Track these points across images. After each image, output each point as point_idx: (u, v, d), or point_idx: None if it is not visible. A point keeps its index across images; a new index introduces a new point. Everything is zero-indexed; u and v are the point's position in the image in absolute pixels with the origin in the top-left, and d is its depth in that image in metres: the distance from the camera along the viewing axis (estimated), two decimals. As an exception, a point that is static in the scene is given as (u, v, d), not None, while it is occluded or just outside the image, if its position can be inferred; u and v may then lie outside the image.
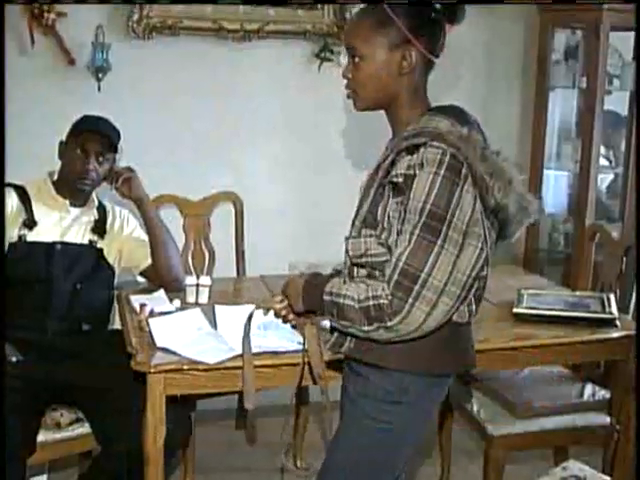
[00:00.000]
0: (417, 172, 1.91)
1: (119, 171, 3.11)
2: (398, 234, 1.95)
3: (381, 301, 1.90)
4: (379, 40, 2.03)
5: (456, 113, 2.04)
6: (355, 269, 2.08)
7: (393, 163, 1.98)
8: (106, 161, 3.04)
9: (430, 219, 1.89)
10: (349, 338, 2.08)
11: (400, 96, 2.07)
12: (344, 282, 2.03)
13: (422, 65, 2.07)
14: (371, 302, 1.92)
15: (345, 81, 2.11)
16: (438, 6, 2.06)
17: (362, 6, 2.11)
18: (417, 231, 1.89)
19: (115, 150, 3.06)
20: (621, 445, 2.66)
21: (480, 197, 1.93)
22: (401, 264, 1.90)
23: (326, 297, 2.02)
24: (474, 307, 2.06)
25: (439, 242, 1.89)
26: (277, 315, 2.25)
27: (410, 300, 1.88)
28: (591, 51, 4.15)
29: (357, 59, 2.06)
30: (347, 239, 2.08)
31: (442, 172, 1.89)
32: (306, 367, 2.33)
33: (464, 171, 1.90)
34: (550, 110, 4.41)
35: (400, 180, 1.94)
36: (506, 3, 4.18)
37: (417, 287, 1.88)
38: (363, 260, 2.03)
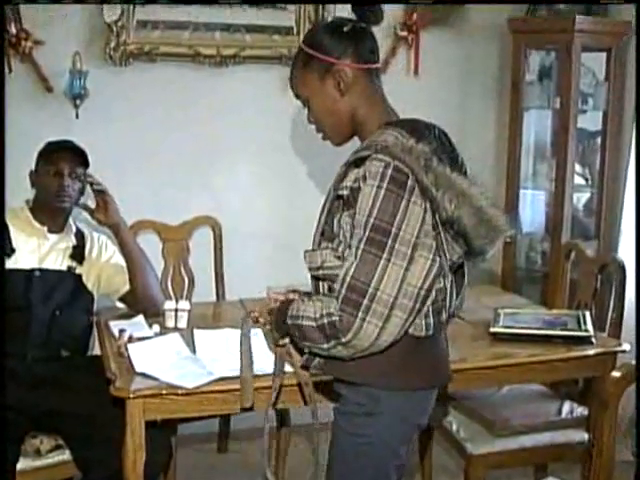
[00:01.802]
0: (361, 185, 1.94)
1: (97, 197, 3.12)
2: (348, 248, 1.97)
3: (333, 318, 1.92)
4: (310, 77, 2.11)
5: (411, 125, 2.05)
6: (320, 284, 2.10)
7: (343, 177, 2.01)
8: (79, 177, 3.06)
9: (374, 233, 1.90)
10: (317, 357, 2.10)
11: (357, 114, 2.11)
12: (303, 302, 2.05)
13: (362, 76, 2.10)
14: (325, 320, 1.94)
15: (314, 127, 2.18)
16: (349, 18, 2.11)
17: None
18: (362, 245, 1.91)
19: (86, 165, 3.08)
20: (597, 461, 2.68)
21: (431, 209, 1.93)
22: (348, 279, 1.91)
23: (288, 321, 2.05)
24: (432, 320, 2.04)
25: (385, 255, 1.90)
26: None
27: (360, 315, 1.89)
28: (564, 72, 4.20)
29: (306, 103, 2.15)
30: (306, 252, 2.10)
31: (385, 185, 1.90)
32: (297, 388, 2.34)
33: (410, 183, 1.91)
34: (525, 130, 4.45)
35: (347, 193, 1.97)
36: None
37: (366, 301, 1.89)
38: (320, 273, 2.05)
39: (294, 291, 2.27)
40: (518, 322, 3.06)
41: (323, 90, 2.10)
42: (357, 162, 1.98)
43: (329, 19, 3.88)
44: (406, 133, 1.99)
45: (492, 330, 3.00)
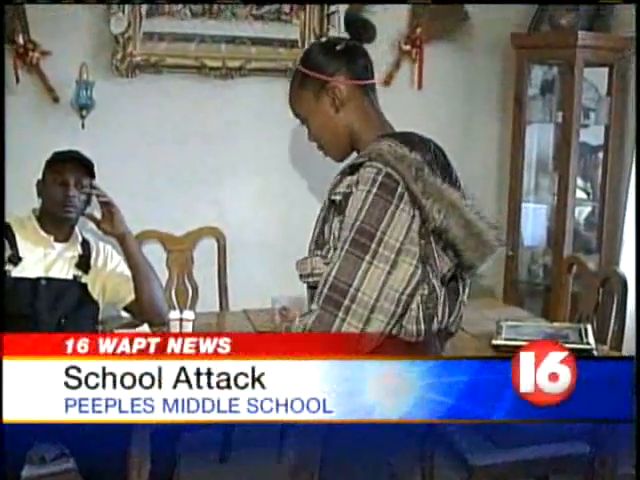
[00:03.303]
0: (354, 190, 1.97)
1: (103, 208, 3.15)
2: (334, 250, 2.00)
3: (313, 317, 1.94)
4: (306, 96, 2.14)
5: (406, 137, 2.07)
6: (315, 293, 2.09)
7: (337, 184, 2.05)
8: (85, 187, 3.08)
9: (359, 235, 1.93)
10: None
11: (353, 129, 2.14)
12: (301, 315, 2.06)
13: (357, 92, 2.14)
14: (310, 321, 1.95)
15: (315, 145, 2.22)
16: (341, 36, 2.16)
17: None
18: (347, 246, 1.94)
19: (92, 175, 3.10)
20: (599, 473, 2.69)
21: (420, 217, 1.95)
22: (331, 278, 1.94)
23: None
24: (423, 327, 2.03)
25: (367, 258, 1.92)
26: None
27: (341, 315, 1.91)
28: (566, 87, 4.23)
29: (305, 122, 2.19)
30: (297, 262, 2.12)
31: (374, 190, 1.93)
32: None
33: (400, 190, 1.94)
34: (527, 144, 4.47)
35: (339, 198, 2.01)
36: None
37: (346, 301, 1.91)
38: (311, 280, 2.06)
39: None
40: (520, 335, 3.07)
41: (319, 108, 2.14)
42: (351, 169, 2.02)
43: (329, 34, 3.96)
44: (400, 143, 2.02)
45: (494, 342, 3.01)
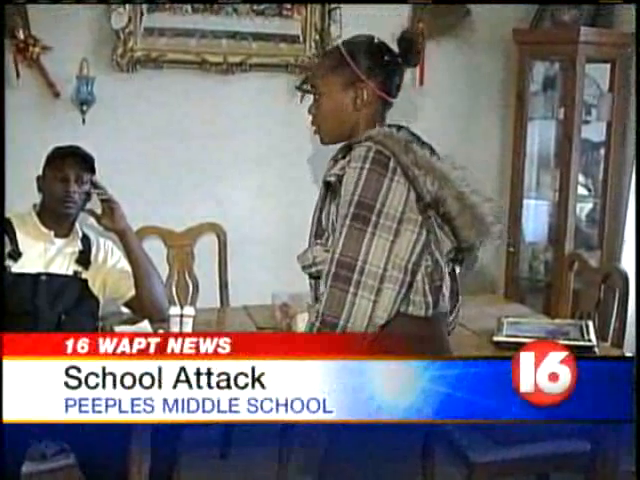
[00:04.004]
0: (347, 170, 2.00)
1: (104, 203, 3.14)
2: (333, 233, 2.03)
3: (324, 298, 1.95)
4: (334, 80, 2.16)
5: (390, 126, 2.13)
6: (318, 284, 2.10)
7: (331, 168, 2.09)
8: (85, 183, 3.08)
9: (359, 209, 1.96)
10: None
11: (358, 130, 2.16)
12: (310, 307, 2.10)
13: (377, 103, 2.17)
14: (322, 305, 1.96)
15: (310, 118, 2.23)
16: (394, 49, 2.17)
17: (328, 48, 2.22)
18: (347, 222, 1.96)
19: (92, 171, 3.10)
20: (600, 471, 2.69)
21: (415, 191, 1.98)
22: (337, 256, 1.96)
23: None
24: (431, 299, 2.05)
25: (370, 229, 1.94)
26: None
27: (352, 289, 1.93)
28: (568, 83, 4.22)
29: (317, 96, 2.19)
30: (298, 256, 2.14)
31: (367, 165, 1.97)
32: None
33: (392, 164, 1.98)
34: (529, 140, 4.46)
35: (333, 179, 2.05)
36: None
37: (356, 275, 1.93)
38: (313, 270, 2.08)
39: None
40: (521, 331, 3.07)
41: (340, 96, 2.15)
42: (343, 153, 2.08)
43: (331, 30, 3.95)
44: (387, 127, 2.10)
45: (495, 339, 3.01)
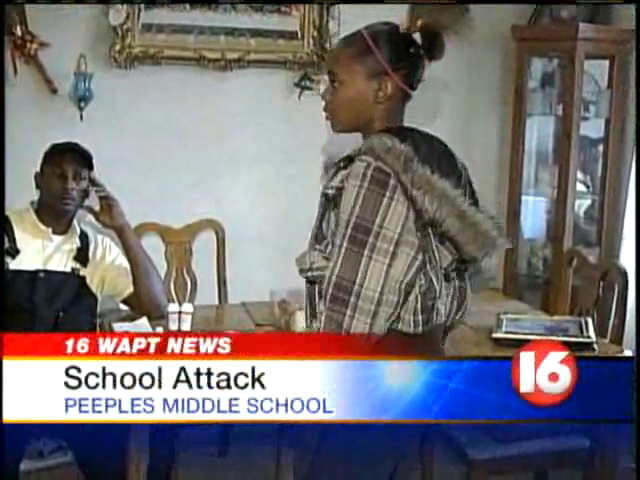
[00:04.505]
0: (345, 185, 1.97)
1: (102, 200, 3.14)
2: (332, 246, 2.01)
3: (322, 318, 1.95)
4: (357, 68, 2.07)
5: (401, 129, 2.08)
6: (314, 288, 2.09)
7: (332, 178, 2.05)
8: (83, 179, 3.07)
9: (356, 231, 1.94)
10: None
11: (374, 122, 2.11)
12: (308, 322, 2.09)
13: (398, 96, 2.11)
14: (320, 324, 1.96)
15: (323, 103, 2.15)
16: (419, 41, 2.11)
17: (347, 33, 2.17)
18: (345, 243, 1.95)
19: (90, 167, 3.09)
20: (599, 468, 2.69)
21: (414, 210, 1.95)
22: (334, 278, 1.94)
23: None
24: (420, 318, 2.02)
25: (366, 252, 1.93)
26: None
27: (349, 312, 1.92)
28: (567, 79, 4.22)
29: (336, 84, 2.10)
30: (296, 259, 2.13)
31: (366, 185, 1.94)
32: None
33: (392, 182, 1.94)
34: (528, 137, 4.46)
35: (333, 192, 2.01)
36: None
37: (352, 299, 1.92)
38: (310, 275, 2.07)
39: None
40: (520, 328, 3.08)
41: (361, 86, 2.08)
42: (345, 163, 2.02)
43: (329, 26, 3.94)
44: (392, 136, 2.01)
45: (494, 336, 3.01)
